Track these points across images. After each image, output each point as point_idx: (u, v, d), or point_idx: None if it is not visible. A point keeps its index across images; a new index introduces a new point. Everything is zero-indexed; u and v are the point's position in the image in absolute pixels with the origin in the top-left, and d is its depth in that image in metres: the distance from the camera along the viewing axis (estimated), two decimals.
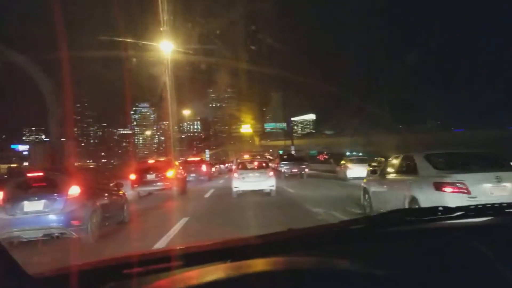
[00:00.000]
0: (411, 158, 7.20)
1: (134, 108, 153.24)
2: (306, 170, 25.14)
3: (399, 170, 7.53)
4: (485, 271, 1.01)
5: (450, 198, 5.84)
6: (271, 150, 64.20)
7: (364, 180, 9.28)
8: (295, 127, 72.10)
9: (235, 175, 13.75)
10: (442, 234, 1.24)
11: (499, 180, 5.94)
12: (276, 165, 26.88)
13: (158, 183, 14.86)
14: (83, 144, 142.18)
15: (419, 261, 1.04)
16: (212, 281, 0.86)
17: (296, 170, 24.77)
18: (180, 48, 24.81)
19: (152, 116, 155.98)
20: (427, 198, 6.22)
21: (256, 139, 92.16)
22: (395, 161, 7.86)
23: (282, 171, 24.49)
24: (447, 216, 1.32)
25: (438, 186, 6.08)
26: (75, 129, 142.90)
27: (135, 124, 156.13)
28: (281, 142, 69.34)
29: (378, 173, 8.46)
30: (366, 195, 8.85)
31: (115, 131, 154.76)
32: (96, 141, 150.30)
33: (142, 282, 0.99)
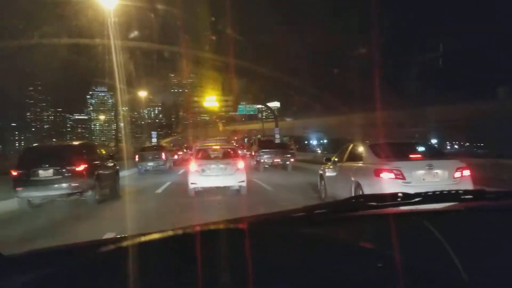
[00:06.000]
0: (359, 147, 8.06)
1: (90, 92, 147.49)
2: (292, 160, 20.58)
3: (349, 158, 8.25)
4: (437, 253, 1.10)
5: (387, 183, 6.49)
6: (236, 138, 57.64)
7: (322, 167, 9.73)
8: (260, 114, 71.40)
9: (193, 167, 10.64)
10: (401, 218, 1.28)
11: (430, 167, 6.74)
12: (251, 153, 22.81)
13: (57, 185, 9.06)
14: (33, 129, 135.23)
15: (379, 242, 1.07)
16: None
17: (278, 160, 20.48)
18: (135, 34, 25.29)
19: (110, 101, 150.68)
20: (369, 183, 6.83)
21: (220, 125, 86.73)
22: (347, 150, 8.54)
23: (262, 161, 20.19)
24: (406, 202, 1.35)
25: (378, 173, 6.77)
26: (28, 114, 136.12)
27: (91, 109, 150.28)
28: (252, 126, 63.49)
29: (332, 161, 9.07)
30: (322, 181, 9.43)
31: (69, 116, 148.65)
32: (49, 126, 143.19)
33: None
